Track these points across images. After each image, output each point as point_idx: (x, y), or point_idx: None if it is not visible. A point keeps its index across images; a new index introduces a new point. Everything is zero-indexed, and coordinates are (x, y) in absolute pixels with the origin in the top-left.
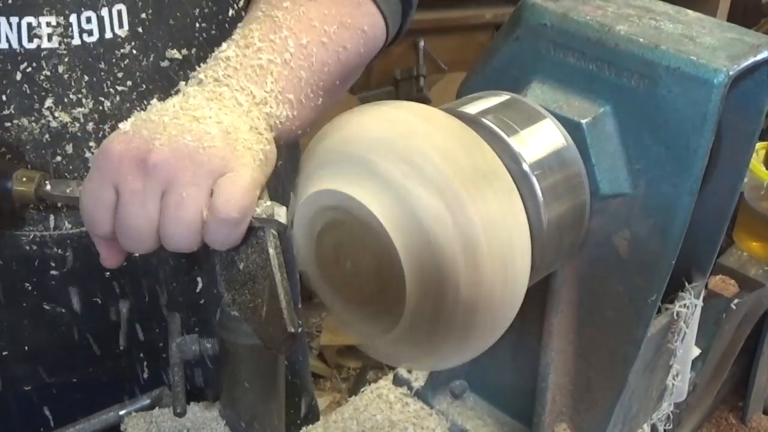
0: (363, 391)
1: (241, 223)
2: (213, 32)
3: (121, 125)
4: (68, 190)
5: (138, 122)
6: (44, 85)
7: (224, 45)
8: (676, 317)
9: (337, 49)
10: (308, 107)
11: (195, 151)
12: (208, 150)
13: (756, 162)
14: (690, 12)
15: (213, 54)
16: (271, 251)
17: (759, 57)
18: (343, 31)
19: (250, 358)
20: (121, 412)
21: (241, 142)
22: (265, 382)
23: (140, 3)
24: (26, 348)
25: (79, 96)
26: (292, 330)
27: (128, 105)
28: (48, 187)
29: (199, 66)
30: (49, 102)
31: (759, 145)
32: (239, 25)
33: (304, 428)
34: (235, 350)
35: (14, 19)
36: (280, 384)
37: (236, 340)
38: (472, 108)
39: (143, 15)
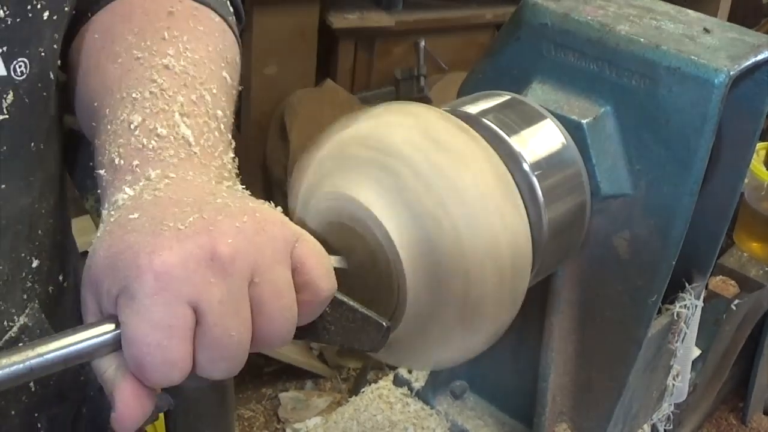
0: (363, 392)
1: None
2: None
3: (103, 243)
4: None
5: (154, 221)
6: None
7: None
8: (676, 318)
9: (232, 90)
10: None
11: (261, 225)
12: (269, 219)
13: (756, 162)
14: (691, 12)
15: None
16: None
17: (759, 57)
18: (228, 67)
19: (199, 397)
20: None
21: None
22: (217, 418)
23: None
24: None
25: None
26: (386, 324)
27: None
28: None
29: None
30: None
31: (759, 145)
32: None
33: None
34: (185, 394)
35: None
36: (231, 418)
37: (182, 383)
38: (473, 108)
39: None
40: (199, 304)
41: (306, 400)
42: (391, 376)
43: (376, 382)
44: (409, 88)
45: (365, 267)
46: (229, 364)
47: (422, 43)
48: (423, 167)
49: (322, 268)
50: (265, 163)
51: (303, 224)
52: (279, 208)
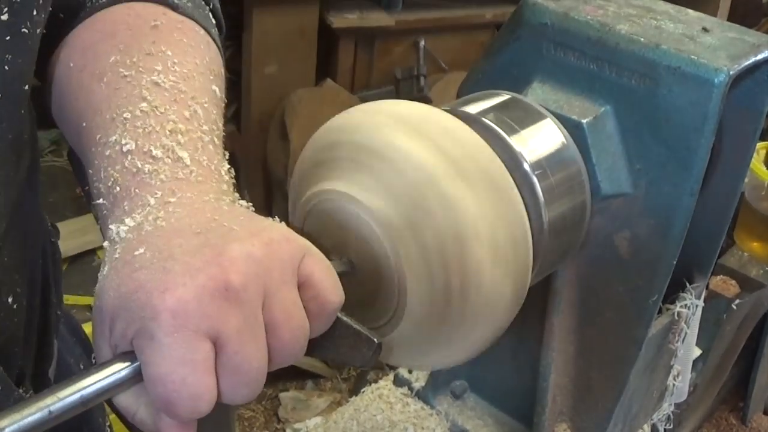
0: (363, 392)
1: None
2: None
3: (111, 283)
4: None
5: (161, 255)
6: None
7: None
8: (676, 317)
9: (221, 102)
10: None
11: (268, 246)
12: (275, 238)
13: (756, 162)
14: (690, 11)
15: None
16: None
17: (759, 56)
18: (216, 80)
19: None
20: None
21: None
22: (217, 418)
23: None
24: None
25: None
26: (378, 340)
27: None
28: None
29: None
30: None
31: (759, 144)
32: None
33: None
34: None
35: None
36: (232, 418)
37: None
38: (473, 107)
39: None
40: (218, 335)
41: (306, 400)
42: (391, 376)
43: (376, 382)
44: (409, 88)
45: (367, 267)
46: (251, 389)
47: (422, 43)
48: (425, 167)
49: (329, 280)
50: (266, 162)
51: (303, 224)
52: (282, 223)
